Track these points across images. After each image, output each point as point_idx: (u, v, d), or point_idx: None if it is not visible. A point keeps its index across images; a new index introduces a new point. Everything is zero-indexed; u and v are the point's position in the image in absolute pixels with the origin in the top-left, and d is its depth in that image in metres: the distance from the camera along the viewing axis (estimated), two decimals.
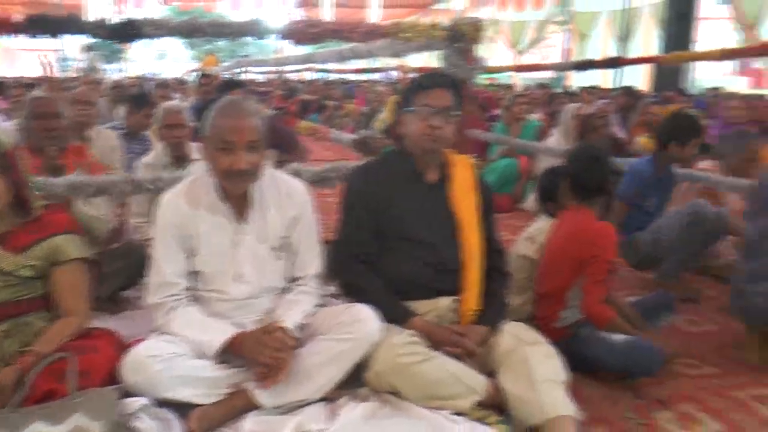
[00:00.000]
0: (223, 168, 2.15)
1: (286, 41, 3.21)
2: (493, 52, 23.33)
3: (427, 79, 2.37)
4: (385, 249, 2.38)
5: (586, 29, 18.53)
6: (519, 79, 19.11)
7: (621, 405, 2.43)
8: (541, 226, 2.92)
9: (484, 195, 2.49)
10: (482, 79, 18.01)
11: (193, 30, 2.92)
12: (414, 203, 2.40)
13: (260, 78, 18.63)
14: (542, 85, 14.53)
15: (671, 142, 3.62)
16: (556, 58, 19.29)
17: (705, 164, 4.15)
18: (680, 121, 3.70)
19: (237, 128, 2.13)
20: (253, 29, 3.03)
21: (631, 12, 16.58)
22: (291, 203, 2.37)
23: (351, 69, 19.28)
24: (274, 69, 17.21)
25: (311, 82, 19.44)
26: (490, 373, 2.23)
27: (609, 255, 2.57)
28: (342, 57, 4.12)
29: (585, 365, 2.53)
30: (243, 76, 11.73)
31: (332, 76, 21.16)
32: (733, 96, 8.55)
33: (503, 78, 18.94)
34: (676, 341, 3.01)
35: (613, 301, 2.73)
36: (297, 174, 2.80)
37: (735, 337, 2.99)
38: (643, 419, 2.33)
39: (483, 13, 21.43)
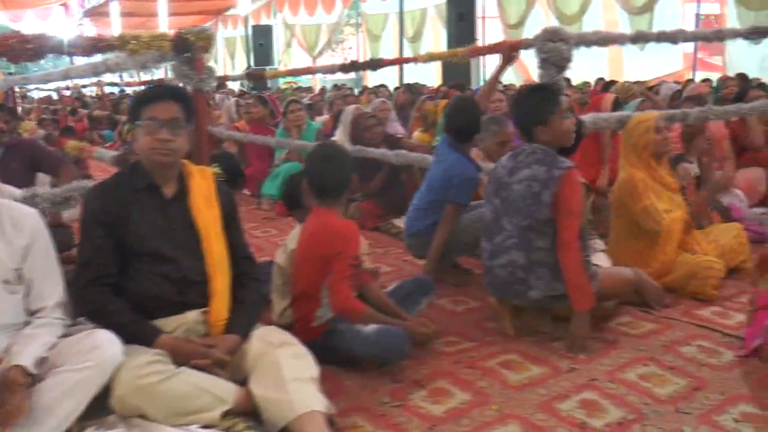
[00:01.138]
0: None
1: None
2: (290, 56, 23.42)
3: (152, 92, 2.34)
4: (126, 268, 2.31)
5: (377, 31, 19.14)
6: (318, 81, 19.41)
7: (380, 392, 2.53)
8: (295, 232, 2.97)
9: (225, 203, 2.49)
10: (281, 82, 18.15)
11: None
12: (153, 218, 2.34)
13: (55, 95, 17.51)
14: (337, 86, 14.81)
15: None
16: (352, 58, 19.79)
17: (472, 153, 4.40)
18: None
19: None
20: None
21: (419, 13, 17.42)
22: (18, 233, 2.22)
23: (137, 82, 18.45)
24: (65, 84, 16.16)
25: (100, 97, 18.35)
26: (244, 380, 2.24)
27: (352, 251, 2.67)
28: (96, 71, 3.92)
29: (343, 358, 2.62)
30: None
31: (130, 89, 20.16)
32: (508, 88, 9.29)
33: (305, 81, 19.15)
34: (443, 321, 3.21)
35: (367, 292, 2.84)
36: (33, 198, 2.62)
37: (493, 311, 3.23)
38: (398, 402, 2.45)
39: (277, 18, 21.48)
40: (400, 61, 8.20)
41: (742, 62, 13.15)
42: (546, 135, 2.95)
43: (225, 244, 2.42)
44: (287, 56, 23.71)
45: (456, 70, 12.62)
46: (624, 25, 13.30)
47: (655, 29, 6.16)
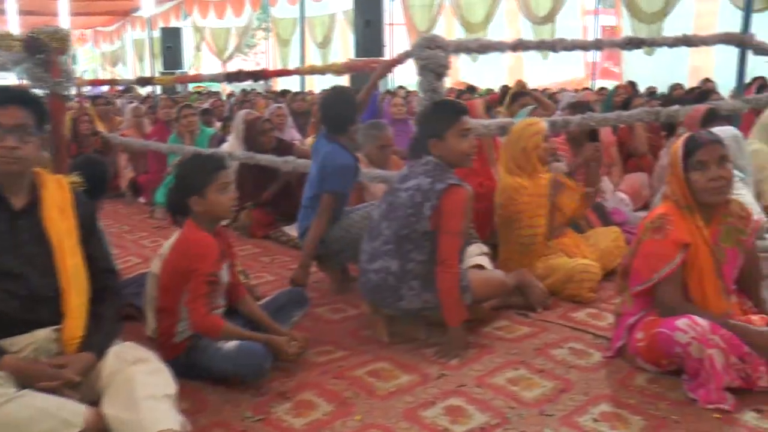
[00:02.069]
0: None
1: None
2: (200, 60, 22.96)
3: None
4: None
5: (287, 35, 18.99)
6: (228, 87, 19.07)
7: (243, 406, 2.44)
8: (171, 241, 2.84)
9: (83, 214, 2.33)
10: (191, 87, 17.73)
11: None
12: None
13: None
14: (246, 91, 14.59)
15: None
16: (265, 64, 19.58)
17: None
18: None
19: None
20: None
21: (327, 18, 17.37)
22: None
23: None
24: None
25: None
26: (99, 401, 2.10)
27: (206, 268, 2.54)
28: None
29: (204, 374, 2.52)
30: None
31: None
32: (411, 93, 9.36)
33: (216, 86, 18.76)
34: (318, 330, 3.14)
35: (242, 305, 2.78)
36: None
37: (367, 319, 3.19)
38: (260, 416, 2.37)
39: (187, 21, 20.99)
40: (283, 73, 8.09)
41: (638, 71, 13.72)
42: (438, 150, 2.92)
43: (82, 258, 2.26)
44: (197, 60, 23.25)
45: (364, 77, 12.63)
46: (528, 34, 13.66)
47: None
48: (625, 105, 6.04)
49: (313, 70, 5.62)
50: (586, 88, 11.77)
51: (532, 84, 12.11)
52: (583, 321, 3.25)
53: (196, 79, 8.82)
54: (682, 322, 2.44)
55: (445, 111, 3.01)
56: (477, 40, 4.06)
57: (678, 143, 2.68)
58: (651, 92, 9.23)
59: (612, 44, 4.64)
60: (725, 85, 7.73)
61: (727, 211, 2.68)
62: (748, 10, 5.65)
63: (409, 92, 9.49)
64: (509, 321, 3.25)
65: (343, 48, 17.30)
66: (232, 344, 2.52)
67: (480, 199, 3.69)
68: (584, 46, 4.39)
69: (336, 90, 3.98)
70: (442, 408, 2.41)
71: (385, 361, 2.81)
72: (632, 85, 9.42)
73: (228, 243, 2.81)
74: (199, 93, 15.83)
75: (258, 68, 18.54)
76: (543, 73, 13.89)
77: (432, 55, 3.52)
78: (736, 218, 2.71)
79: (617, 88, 8.22)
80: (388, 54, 17.12)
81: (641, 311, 2.71)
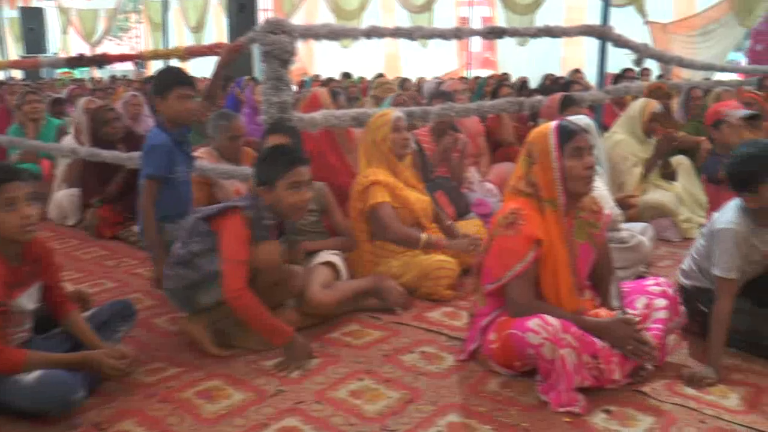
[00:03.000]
0: None
1: None
2: (68, 43, 21.65)
3: None
4: None
5: (158, 18, 18.14)
6: (100, 73, 18.05)
7: None
8: None
9: None
10: (58, 72, 16.56)
11: None
12: None
13: None
14: (116, 78, 13.79)
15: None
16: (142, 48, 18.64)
17: (200, 152, 4.03)
18: (158, 78, 3.41)
19: None
20: None
21: (201, 3, 16.70)
22: None
23: None
24: None
25: None
26: None
27: None
28: None
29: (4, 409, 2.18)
30: None
31: None
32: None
33: (79, 73, 17.65)
34: (154, 344, 2.85)
35: (69, 323, 2.48)
36: None
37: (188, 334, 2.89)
38: None
39: (51, 1, 19.65)
40: (126, 58, 7.49)
41: (514, 62, 14.00)
42: (268, 198, 2.73)
43: None
44: (65, 43, 21.94)
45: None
46: (404, 23, 13.62)
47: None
48: (494, 94, 6.03)
49: (156, 55, 5.21)
50: (463, 78, 11.84)
51: (409, 73, 12.14)
52: (439, 321, 3.11)
53: (35, 64, 8.02)
54: (533, 322, 2.34)
55: (279, 159, 2.75)
56: (326, 25, 3.83)
57: (542, 132, 2.55)
58: (523, 82, 9.37)
59: (472, 33, 4.56)
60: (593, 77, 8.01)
61: (580, 205, 2.61)
62: (606, 3, 5.74)
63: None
64: (360, 325, 3.07)
65: (218, 32, 16.68)
66: (32, 375, 2.17)
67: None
68: (443, 34, 4.27)
69: (161, 70, 3.61)
70: (275, 430, 2.19)
71: (219, 378, 2.54)
72: (504, 75, 9.52)
73: (47, 261, 2.45)
74: (62, 80, 14.85)
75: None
76: (421, 62, 13.89)
77: (276, 41, 3.27)
78: (588, 212, 2.64)
79: (488, 78, 8.28)
80: None
81: (494, 311, 2.59)
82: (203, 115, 3.82)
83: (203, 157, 3.83)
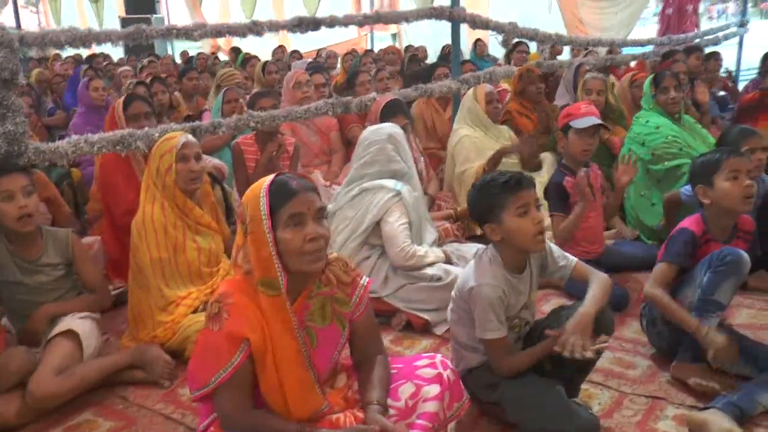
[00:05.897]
0: None
1: None
2: None
3: None
4: None
5: None
6: None
7: None
8: None
9: None
10: None
11: None
12: None
13: None
14: None
15: None
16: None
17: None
18: None
19: None
20: None
21: None
22: None
23: None
24: None
25: None
26: None
27: None
28: None
29: None
30: None
31: None
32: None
33: None
34: None
35: None
36: None
37: None
38: None
39: None
40: None
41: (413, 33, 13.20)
42: None
43: None
44: None
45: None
46: (297, 4, 13.02)
47: None
48: (349, 83, 5.46)
49: None
50: (369, 50, 11.07)
51: (308, 47, 11.33)
52: (189, 402, 2.55)
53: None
54: None
55: None
56: (69, 29, 3.16)
57: (255, 191, 1.96)
58: (413, 55, 8.74)
59: (278, 27, 3.95)
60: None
61: (321, 280, 2.05)
62: None
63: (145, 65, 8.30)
64: (93, 414, 2.50)
65: (117, 2, 15.56)
66: None
67: None
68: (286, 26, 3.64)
69: None
70: None
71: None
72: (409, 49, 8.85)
73: None
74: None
75: None
76: (319, 35, 13.06)
77: None
78: (333, 286, 2.07)
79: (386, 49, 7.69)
80: (163, 11, 15.58)
81: (212, 415, 2.04)
82: None
83: None
